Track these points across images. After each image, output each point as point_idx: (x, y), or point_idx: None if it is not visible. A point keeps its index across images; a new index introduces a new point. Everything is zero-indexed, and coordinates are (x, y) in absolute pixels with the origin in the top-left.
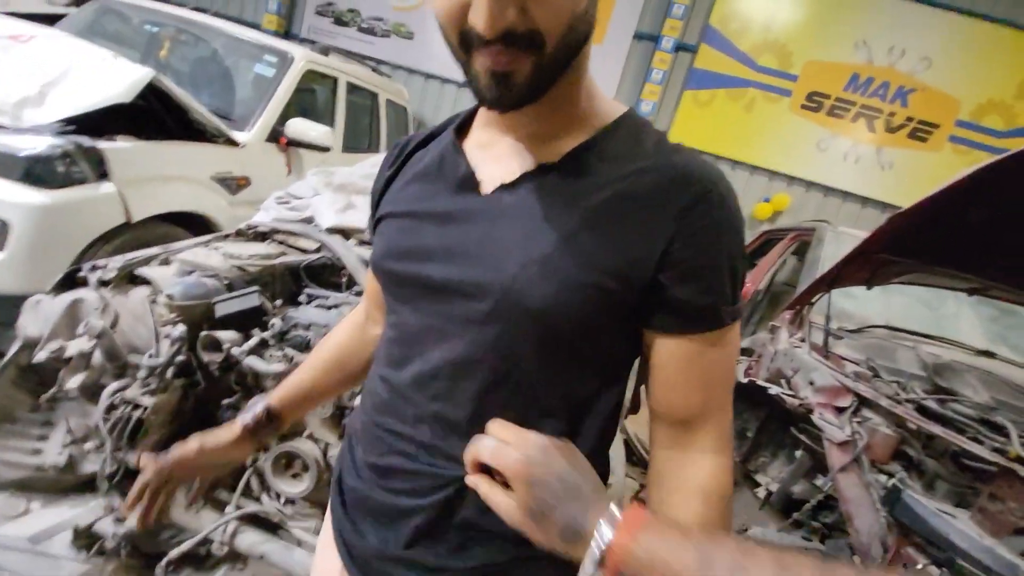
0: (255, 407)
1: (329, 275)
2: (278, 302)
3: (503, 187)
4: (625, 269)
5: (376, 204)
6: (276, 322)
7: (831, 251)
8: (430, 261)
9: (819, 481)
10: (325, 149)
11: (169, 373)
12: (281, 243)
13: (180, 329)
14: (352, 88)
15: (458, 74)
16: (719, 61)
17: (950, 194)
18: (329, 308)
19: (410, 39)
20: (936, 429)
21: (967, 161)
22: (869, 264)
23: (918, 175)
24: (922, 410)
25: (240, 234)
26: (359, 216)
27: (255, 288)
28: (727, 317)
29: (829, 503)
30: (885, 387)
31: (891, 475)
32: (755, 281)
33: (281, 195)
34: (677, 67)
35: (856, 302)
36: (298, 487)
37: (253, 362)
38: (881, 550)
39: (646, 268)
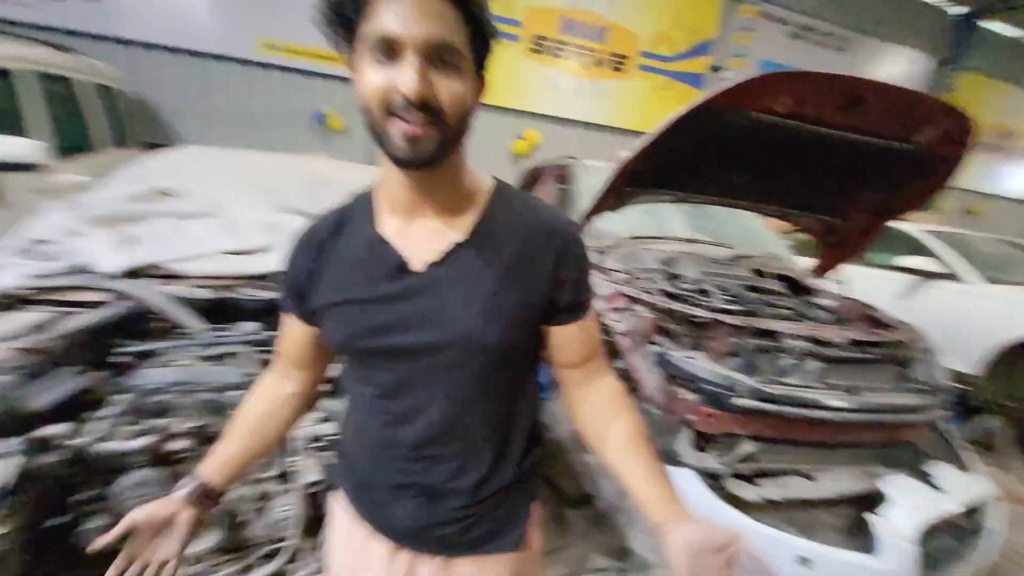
0: (186, 486)
1: (138, 324)
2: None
3: (433, 264)
4: (534, 299)
5: (302, 293)
6: (124, 397)
7: (584, 184)
8: (392, 333)
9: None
10: (35, 166)
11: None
12: (45, 304)
13: (15, 450)
14: (42, 78)
15: (177, 38)
16: None
17: (656, 140)
18: (170, 364)
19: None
20: (674, 305)
21: (653, 83)
22: (614, 196)
23: (621, 99)
24: (666, 293)
25: None
26: (147, 251)
27: (75, 368)
28: (590, 303)
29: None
30: (640, 283)
31: (657, 344)
32: None
33: (16, 244)
34: None
35: (605, 222)
36: (204, 543)
37: (112, 446)
38: (663, 396)
39: (544, 294)
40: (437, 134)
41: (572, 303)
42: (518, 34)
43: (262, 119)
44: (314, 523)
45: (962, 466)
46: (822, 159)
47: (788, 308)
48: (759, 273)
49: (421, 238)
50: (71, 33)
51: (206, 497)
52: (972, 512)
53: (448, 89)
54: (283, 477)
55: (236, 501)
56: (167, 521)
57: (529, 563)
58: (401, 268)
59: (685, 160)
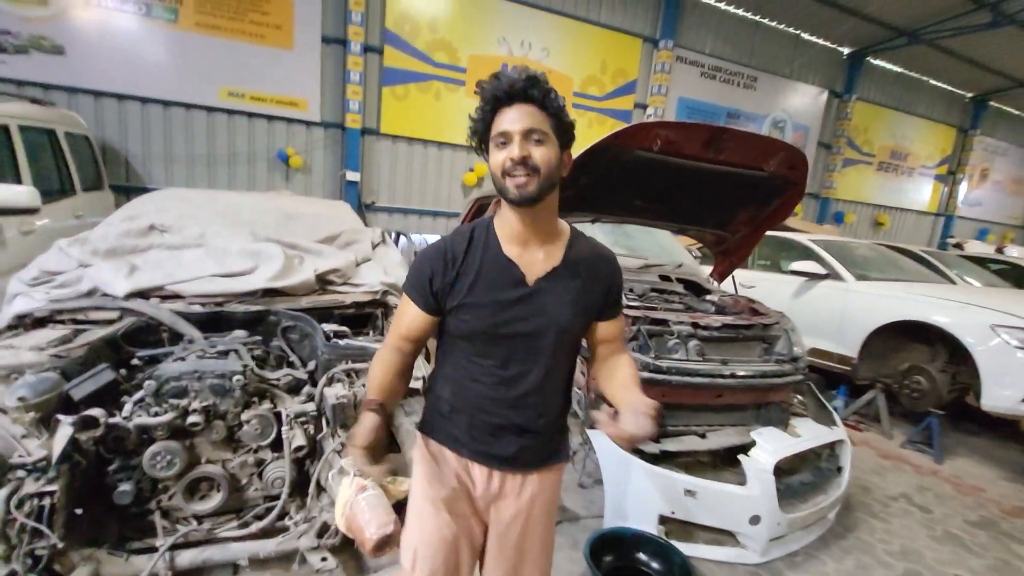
0: (369, 411)
1: (147, 336)
2: (122, 371)
3: (540, 279)
4: (596, 302)
5: (436, 293)
6: (146, 384)
7: None
8: (515, 323)
9: None
10: (32, 211)
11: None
12: (64, 323)
13: (67, 424)
14: (24, 130)
15: (143, 89)
16: (403, 60)
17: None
18: (184, 359)
19: (61, 54)
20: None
21: (587, 119)
22: None
23: None
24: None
25: (12, 327)
26: (148, 276)
27: (104, 365)
28: (621, 307)
29: None
30: None
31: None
32: None
33: (34, 276)
34: (370, 67)
35: None
36: (210, 503)
37: (142, 421)
38: (581, 377)
39: (599, 300)
40: (536, 180)
41: (613, 307)
42: (464, 79)
43: (225, 160)
44: (300, 482)
45: (827, 423)
46: (703, 185)
47: (681, 303)
48: (664, 278)
49: (532, 261)
50: (42, 86)
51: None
52: (831, 456)
53: (539, 153)
54: (274, 446)
55: (236, 467)
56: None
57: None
58: (521, 281)
59: (595, 187)
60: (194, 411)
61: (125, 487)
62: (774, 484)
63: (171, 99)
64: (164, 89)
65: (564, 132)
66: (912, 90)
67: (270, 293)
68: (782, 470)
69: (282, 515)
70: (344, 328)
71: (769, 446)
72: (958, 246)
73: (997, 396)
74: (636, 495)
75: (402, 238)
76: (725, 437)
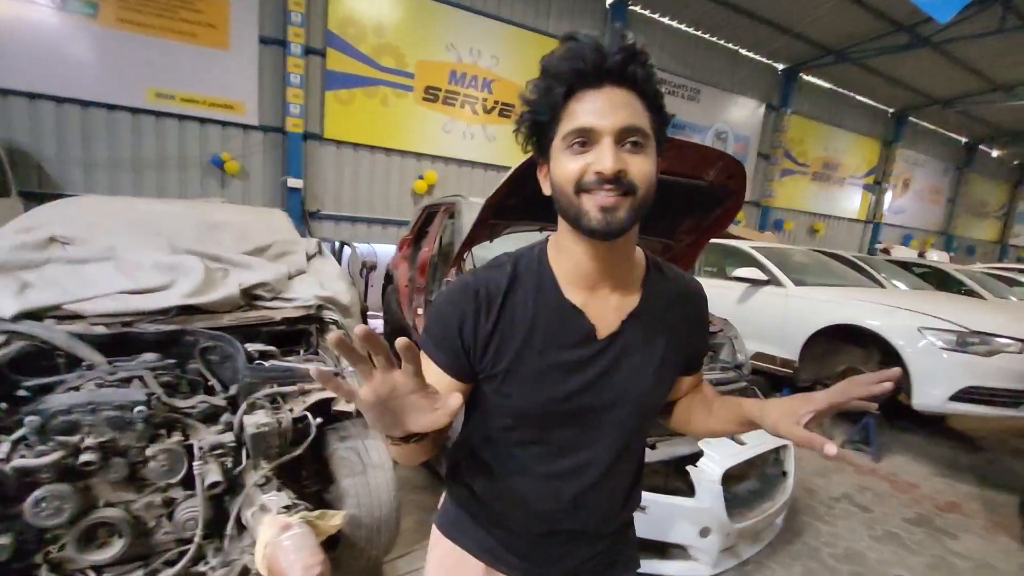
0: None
1: (40, 362)
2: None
3: (614, 333)
4: (683, 355)
5: (470, 351)
6: (27, 419)
7: (467, 219)
8: (582, 395)
9: None
10: None
11: None
12: None
13: None
14: None
15: (60, 88)
16: (347, 63)
17: (510, 180)
18: (78, 388)
19: None
20: None
21: None
22: (487, 227)
23: (509, 141)
24: None
25: None
26: (43, 295)
27: None
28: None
29: None
30: None
31: None
32: (430, 246)
33: None
34: (312, 70)
35: (487, 251)
36: (109, 552)
37: (22, 463)
38: None
39: (688, 350)
40: (629, 204)
41: (700, 355)
42: (412, 85)
43: (153, 165)
44: (216, 522)
45: None
46: None
47: None
48: None
49: (603, 308)
50: None
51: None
52: (776, 460)
53: (636, 165)
54: (185, 483)
55: (141, 509)
56: None
57: None
58: (590, 336)
59: (540, 196)
60: (87, 448)
61: (2, 540)
62: (722, 494)
63: (91, 99)
64: (83, 89)
65: (662, 132)
66: (841, 105)
67: (188, 310)
68: (730, 478)
69: (197, 559)
70: (271, 348)
71: (716, 455)
72: (885, 251)
73: (926, 395)
74: None
75: (346, 248)
76: (675, 447)
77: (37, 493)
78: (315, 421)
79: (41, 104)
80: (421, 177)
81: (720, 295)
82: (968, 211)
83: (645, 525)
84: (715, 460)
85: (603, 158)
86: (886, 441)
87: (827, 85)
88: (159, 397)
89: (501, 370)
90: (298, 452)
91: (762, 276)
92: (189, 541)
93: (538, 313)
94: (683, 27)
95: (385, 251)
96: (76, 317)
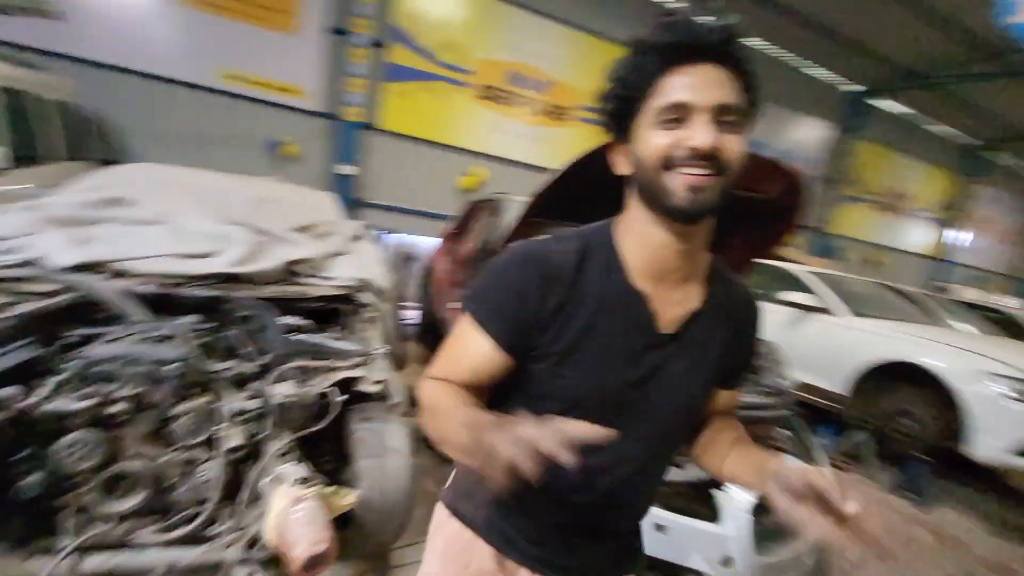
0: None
1: (91, 314)
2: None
3: (673, 330)
4: (733, 364)
5: (531, 324)
6: (71, 364)
7: (509, 216)
8: (633, 388)
9: None
10: None
11: None
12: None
13: None
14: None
15: (137, 61)
16: (409, 57)
17: (557, 180)
18: (120, 340)
19: (58, 19)
20: None
21: (591, 132)
22: (526, 226)
23: (562, 144)
24: None
25: None
26: (99, 249)
27: (29, 339)
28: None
29: None
30: None
31: None
32: (472, 242)
33: None
34: (374, 61)
35: None
36: (131, 501)
37: (57, 405)
38: None
39: (737, 360)
40: (719, 183)
41: (743, 371)
42: (470, 81)
43: (216, 143)
44: (232, 487)
45: (809, 460)
46: None
47: None
48: None
49: (668, 301)
50: (38, 51)
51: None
52: None
53: (731, 144)
54: (209, 444)
55: (162, 465)
56: None
57: None
58: (651, 326)
59: (584, 196)
60: (121, 399)
61: (33, 478)
62: (751, 524)
63: (170, 76)
64: (164, 66)
65: (754, 115)
66: (915, 133)
67: (232, 279)
68: (761, 509)
69: (210, 522)
70: (308, 322)
71: None
72: (942, 290)
73: (986, 445)
74: None
75: (391, 235)
76: (701, 471)
77: (71, 436)
78: (339, 398)
79: (118, 75)
80: (467, 173)
81: (768, 319)
82: None
83: (664, 546)
84: None
85: (700, 133)
86: (936, 491)
87: (902, 111)
88: (193, 357)
89: (560, 350)
90: (320, 427)
91: (815, 302)
92: (208, 501)
93: (605, 295)
94: (752, 40)
95: (426, 244)
96: (127, 274)
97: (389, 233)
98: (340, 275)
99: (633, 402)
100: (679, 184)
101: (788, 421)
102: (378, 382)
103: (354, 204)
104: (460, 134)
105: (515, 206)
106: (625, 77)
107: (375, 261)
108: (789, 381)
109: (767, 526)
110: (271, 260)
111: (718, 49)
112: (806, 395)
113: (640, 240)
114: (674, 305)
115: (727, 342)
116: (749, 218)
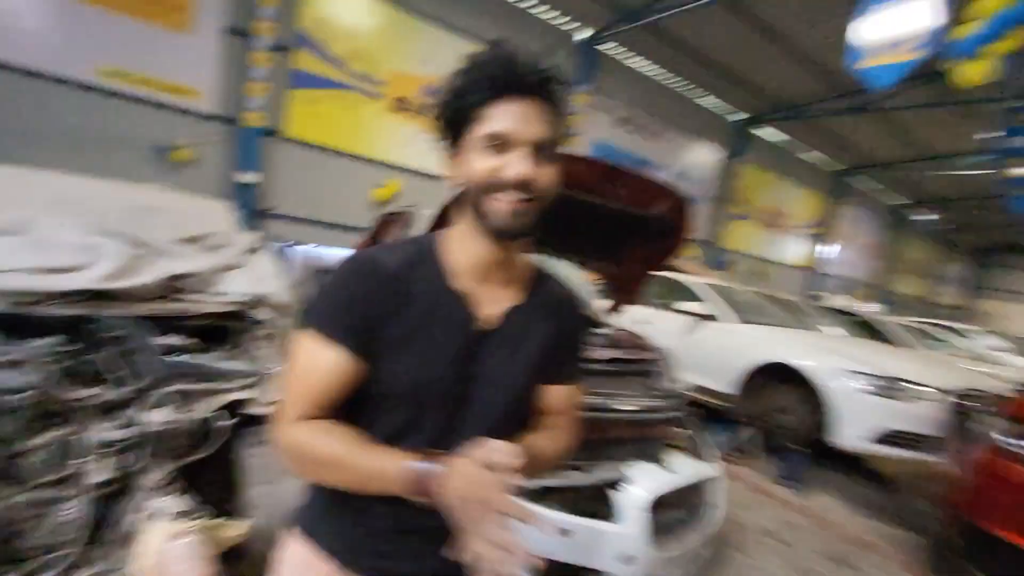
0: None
1: None
2: None
3: (495, 323)
4: (556, 359)
5: (371, 326)
6: None
7: (419, 229)
8: (457, 382)
9: None
10: None
11: None
12: None
13: None
14: None
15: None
16: (317, 64)
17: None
18: None
19: None
20: None
21: None
22: None
23: None
24: None
25: None
26: None
27: None
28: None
29: None
30: None
31: None
32: None
33: None
34: (279, 66)
35: None
36: None
37: None
38: None
39: (562, 355)
40: (534, 208)
41: (570, 366)
42: (383, 93)
43: (95, 145)
44: (99, 527)
45: (703, 457)
46: (600, 222)
47: None
48: None
49: (489, 299)
50: None
51: None
52: (706, 491)
53: (546, 174)
54: (64, 481)
55: (10, 508)
56: None
57: None
58: (470, 323)
59: None
60: None
61: None
62: (649, 522)
63: (38, 68)
64: (31, 56)
65: (564, 143)
66: (790, 159)
67: (104, 295)
68: (657, 506)
69: (72, 567)
70: (192, 341)
71: (645, 482)
72: (816, 298)
73: (846, 435)
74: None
75: (297, 248)
76: (607, 472)
77: None
78: (226, 422)
79: None
80: (381, 185)
81: (667, 327)
82: (900, 268)
83: (568, 550)
84: (643, 486)
85: (518, 165)
86: (811, 478)
87: (779, 138)
88: (49, 384)
89: (392, 347)
90: (203, 455)
91: (708, 311)
92: (69, 545)
93: (431, 296)
94: (649, 71)
95: (338, 256)
96: None
97: (296, 245)
98: (231, 290)
99: (462, 395)
100: (498, 208)
101: (682, 421)
102: (272, 403)
103: (257, 215)
104: (373, 145)
105: (427, 218)
106: (456, 98)
107: (273, 275)
108: (682, 384)
109: (666, 523)
110: (149, 274)
111: (541, 87)
112: (701, 396)
113: (465, 247)
114: (495, 303)
115: (548, 335)
116: (643, 234)
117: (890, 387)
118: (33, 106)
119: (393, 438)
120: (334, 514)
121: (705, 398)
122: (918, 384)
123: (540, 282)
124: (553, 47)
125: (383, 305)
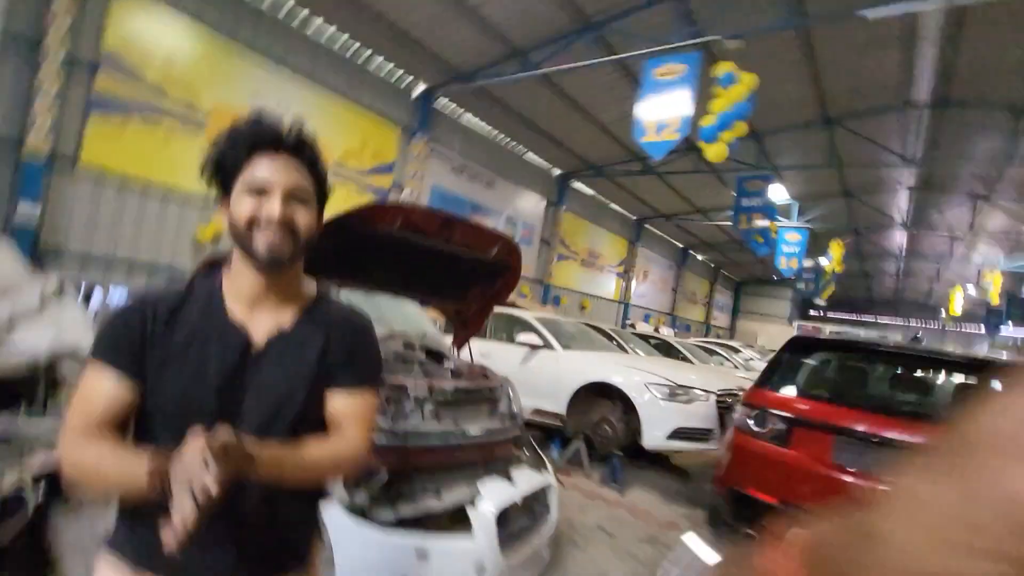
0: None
1: None
2: None
3: (262, 345)
4: (336, 368)
5: (138, 350)
6: None
7: None
8: (228, 399)
9: None
10: None
11: None
12: None
13: None
14: None
15: None
16: (124, 87)
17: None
18: None
19: None
20: None
21: (348, 190)
22: None
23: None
24: None
25: None
26: None
27: None
28: (370, 382)
29: None
30: None
31: None
32: None
33: None
34: (74, 84)
35: None
36: None
37: None
38: None
39: (340, 364)
40: (291, 244)
41: (349, 373)
42: (206, 125)
43: None
44: None
45: (540, 469)
46: (440, 263)
47: (421, 369)
48: (408, 346)
49: (260, 323)
50: None
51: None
52: (544, 499)
53: (300, 215)
54: None
55: None
56: None
57: None
58: (244, 344)
59: (340, 258)
60: None
61: None
62: (496, 532)
63: None
64: None
65: (324, 196)
66: (600, 208)
67: None
68: (504, 517)
69: None
70: None
71: (492, 496)
72: (632, 326)
73: (651, 436)
74: (369, 569)
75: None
76: (458, 494)
77: None
78: (35, 496)
79: None
80: (208, 222)
81: (506, 357)
82: (685, 298)
83: (427, 568)
84: (490, 500)
85: (274, 205)
86: (629, 477)
87: (589, 192)
88: None
89: (160, 365)
90: (13, 532)
91: (539, 341)
92: None
93: (203, 321)
94: (479, 127)
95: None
96: None
97: (103, 287)
98: (27, 345)
99: (232, 410)
100: (260, 239)
101: (521, 439)
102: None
103: (37, 251)
104: (186, 181)
105: None
106: (224, 155)
107: (79, 323)
108: (519, 406)
109: (511, 531)
110: None
111: (294, 146)
112: (538, 418)
113: (238, 279)
114: (265, 326)
115: (321, 349)
116: (480, 275)
117: (677, 392)
118: None
119: (172, 444)
120: (134, 527)
121: (541, 418)
122: (696, 388)
123: (318, 304)
124: (391, 97)
125: (149, 329)
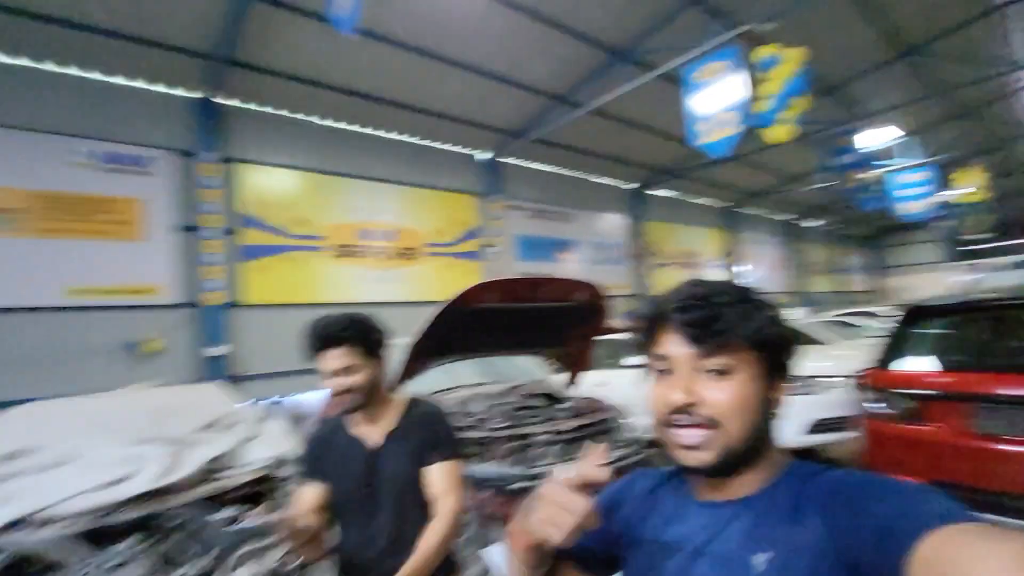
0: None
1: (33, 567)
2: None
3: (377, 446)
4: (426, 452)
5: (311, 468)
6: None
7: (394, 360)
8: (362, 485)
9: None
10: None
11: None
12: None
13: None
14: None
15: None
16: (262, 236)
17: (425, 330)
18: None
19: None
20: (467, 434)
21: (439, 263)
22: (411, 367)
23: (415, 279)
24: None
25: None
26: (22, 504)
27: None
28: (451, 454)
29: None
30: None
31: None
32: None
33: None
34: (228, 247)
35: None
36: None
37: None
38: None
39: (427, 447)
40: (353, 400)
41: (432, 453)
42: (324, 245)
43: (76, 357)
44: None
45: None
46: (537, 317)
47: (541, 415)
48: (528, 395)
49: (372, 432)
50: None
51: None
52: None
53: (351, 380)
54: None
55: None
56: None
57: None
58: (363, 447)
59: (452, 335)
60: None
61: None
62: None
63: (10, 305)
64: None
65: (376, 346)
66: (685, 208)
67: (157, 493)
68: None
69: None
70: (242, 509)
71: None
72: None
73: (787, 434)
74: None
75: (282, 401)
76: None
77: None
78: (294, 563)
79: None
80: None
81: (619, 382)
82: (811, 271)
83: None
84: None
85: (332, 383)
86: None
87: (670, 194)
88: (153, 572)
89: (325, 475)
90: None
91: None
92: None
93: (341, 441)
94: (547, 169)
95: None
96: (54, 520)
97: (281, 399)
98: (254, 459)
99: (369, 495)
100: (338, 406)
101: (648, 462)
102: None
103: (230, 380)
104: (324, 292)
105: (397, 349)
106: (307, 347)
107: (283, 435)
108: (634, 431)
109: None
110: (189, 466)
111: (340, 338)
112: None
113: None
114: (376, 433)
115: (421, 439)
116: (574, 319)
117: (808, 385)
118: (9, 337)
119: (345, 526)
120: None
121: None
122: (822, 376)
123: (410, 408)
124: (461, 172)
125: (318, 452)
